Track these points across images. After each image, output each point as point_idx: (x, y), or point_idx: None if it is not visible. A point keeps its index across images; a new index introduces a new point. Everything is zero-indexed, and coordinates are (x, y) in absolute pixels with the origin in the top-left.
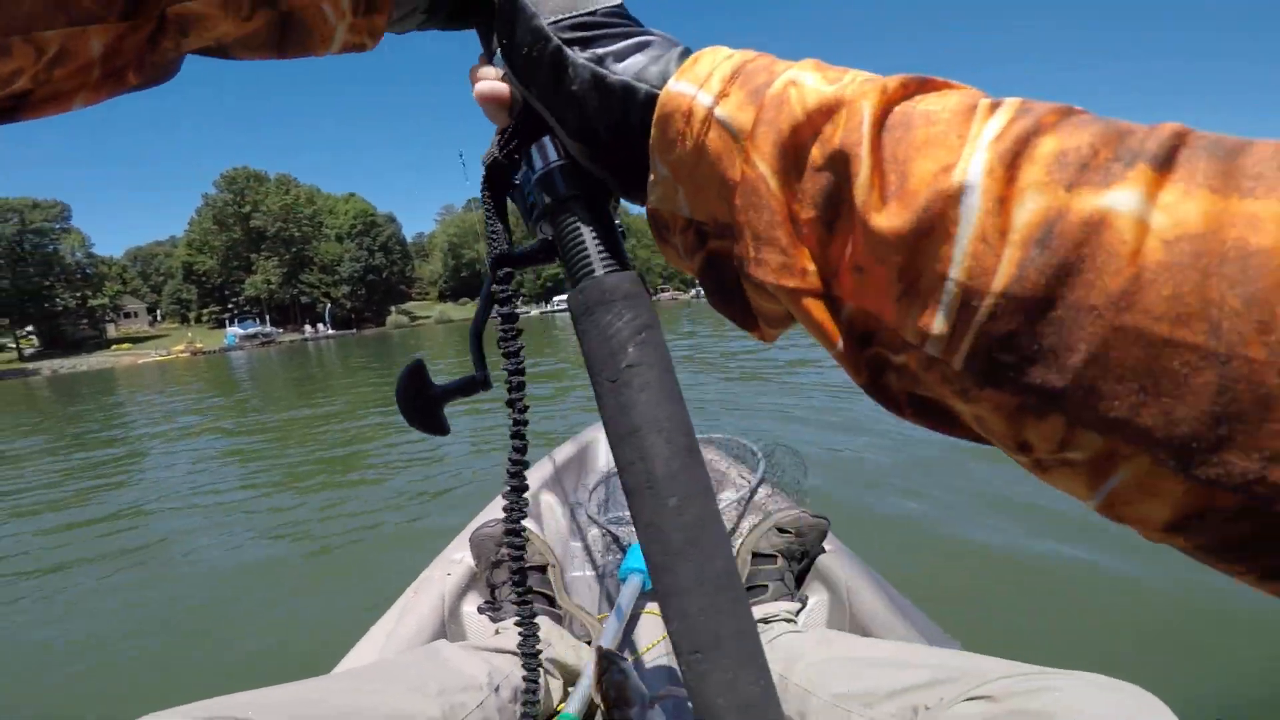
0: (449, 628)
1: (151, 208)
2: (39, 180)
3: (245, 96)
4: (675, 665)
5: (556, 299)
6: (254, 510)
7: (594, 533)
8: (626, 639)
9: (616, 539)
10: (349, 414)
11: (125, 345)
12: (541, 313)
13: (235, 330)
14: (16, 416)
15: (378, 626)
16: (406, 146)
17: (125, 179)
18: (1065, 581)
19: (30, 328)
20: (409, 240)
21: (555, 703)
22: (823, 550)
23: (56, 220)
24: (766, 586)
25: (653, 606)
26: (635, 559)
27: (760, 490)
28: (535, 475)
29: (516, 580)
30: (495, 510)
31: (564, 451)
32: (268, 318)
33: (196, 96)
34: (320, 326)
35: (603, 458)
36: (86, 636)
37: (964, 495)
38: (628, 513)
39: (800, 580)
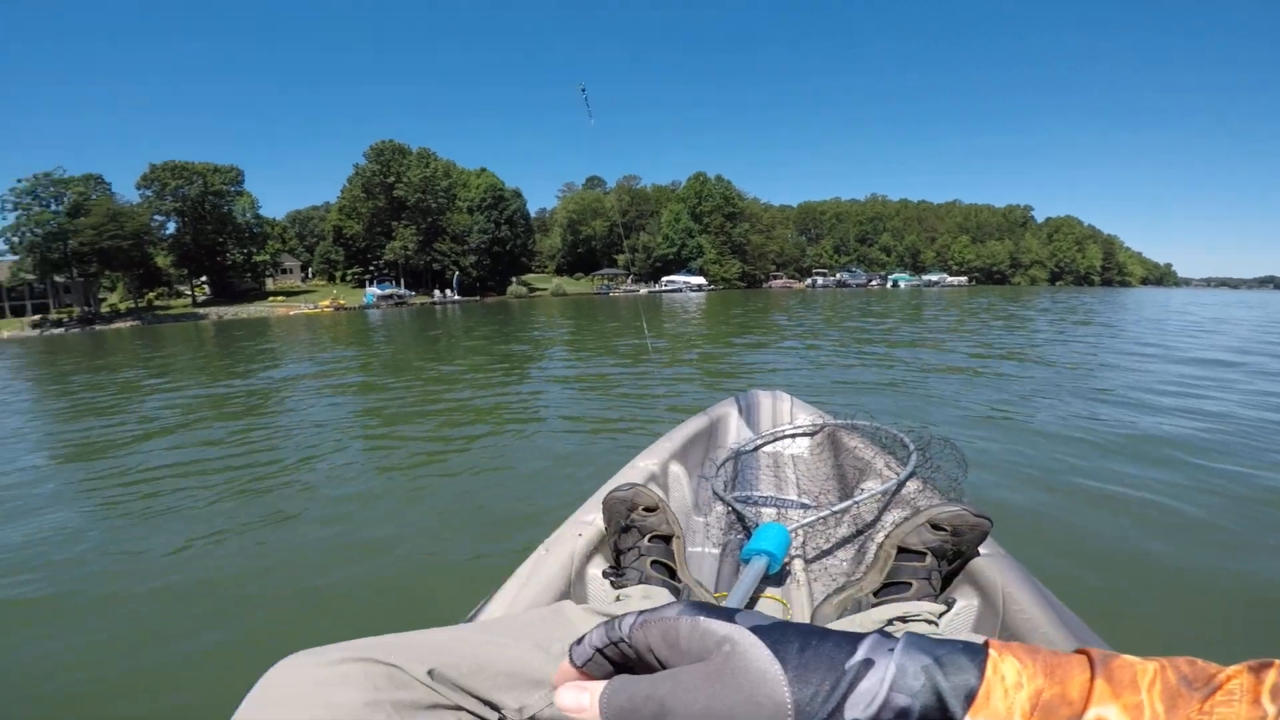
0: (574, 588)
1: (311, 176)
2: (218, 146)
3: (399, 81)
4: None
5: (665, 279)
6: (390, 459)
7: (719, 509)
8: None
9: (741, 518)
10: (473, 370)
11: (280, 298)
12: (650, 292)
13: (374, 290)
14: (190, 350)
15: (512, 579)
16: (533, 125)
17: (291, 149)
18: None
19: (204, 278)
20: (532, 215)
21: None
22: (977, 553)
23: (232, 184)
24: (909, 584)
25: (774, 591)
26: (762, 540)
27: (910, 484)
28: (665, 444)
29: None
30: (630, 474)
31: (695, 423)
32: (402, 281)
33: (359, 75)
34: (448, 292)
35: (733, 433)
36: (239, 572)
37: (1149, 509)
38: (755, 492)
39: (948, 582)
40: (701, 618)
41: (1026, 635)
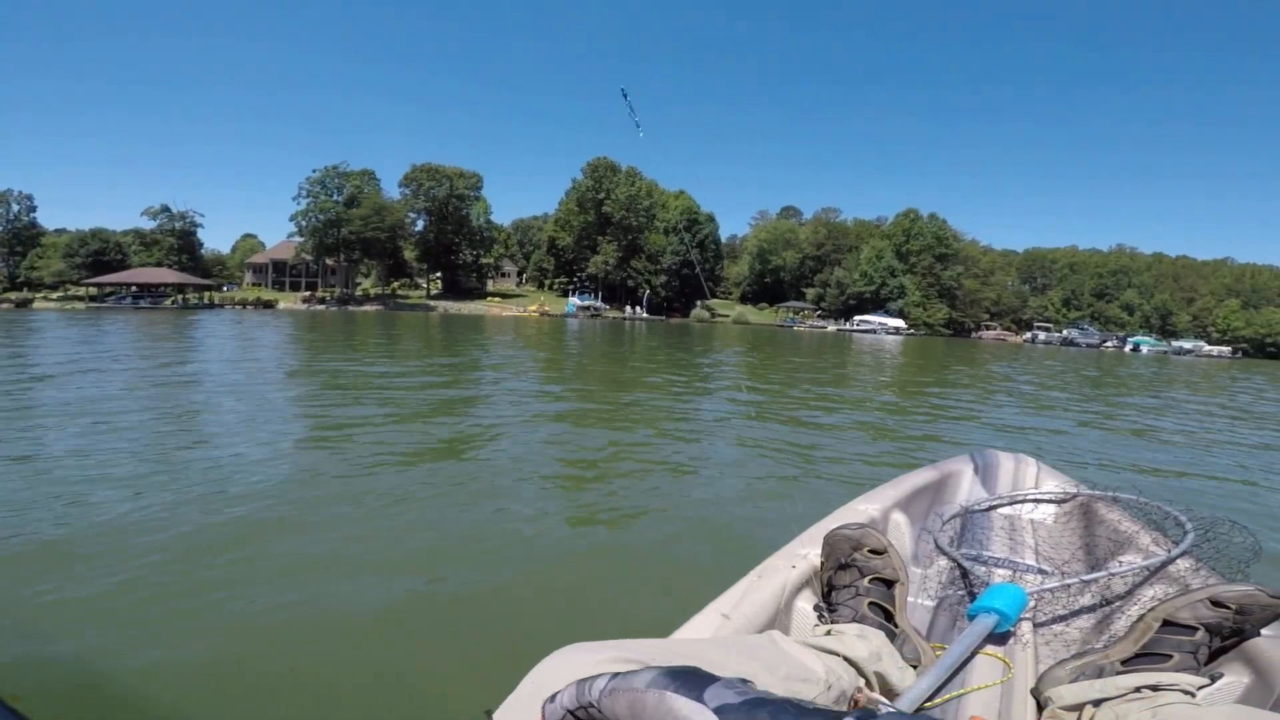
0: (781, 617)
1: (535, 187)
2: (459, 151)
3: (611, 97)
4: (1002, 708)
5: (858, 318)
6: (577, 471)
7: (941, 563)
8: (957, 675)
9: (965, 574)
10: (658, 385)
11: (496, 299)
12: (839, 329)
13: (574, 300)
14: (418, 336)
15: (721, 601)
16: (732, 153)
17: (520, 158)
18: None
19: (438, 274)
20: (723, 240)
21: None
22: (1258, 633)
23: (473, 189)
24: (1168, 656)
25: (996, 649)
26: (995, 599)
27: (1181, 563)
28: (889, 491)
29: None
30: (848, 514)
31: (923, 475)
32: (599, 294)
33: (579, 86)
34: (638, 309)
35: (964, 491)
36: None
37: None
38: (985, 552)
39: (1213, 658)
40: (669, 693)
41: None
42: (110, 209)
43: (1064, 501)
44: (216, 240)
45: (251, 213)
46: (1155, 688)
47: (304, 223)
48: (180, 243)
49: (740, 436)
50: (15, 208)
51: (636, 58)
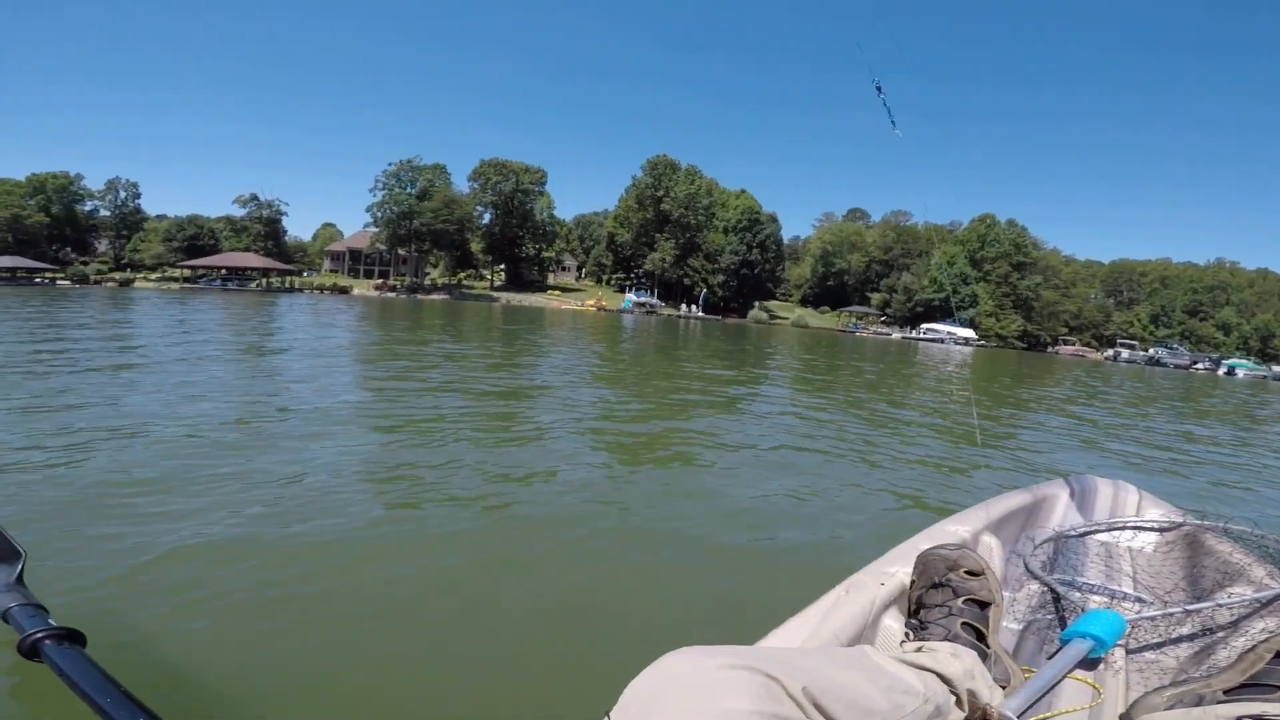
0: (867, 633)
1: (597, 181)
2: (526, 146)
3: (676, 93)
4: None
5: (925, 326)
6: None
7: (1032, 587)
8: (1044, 697)
9: (1058, 599)
10: (708, 391)
11: (556, 292)
12: (904, 337)
13: (631, 297)
14: (478, 324)
15: (807, 614)
16: (798, 152)
17: (584, 155)
18: None
19: (502, 266)
20: (784, 241)
21: None
22: None
23: (537, 184)
24: (1277, 688)
25: (1085, 674)
26: (1091, 625)
27: None
28: (980, 513)
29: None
30: (937, 535)
31: (1015, 499)
32: (656, 291)
33: (643, 80)
34: (694, 308)
35: (1059, 516)
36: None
37: None
38: (1079, 578)
39: None
40: None
41: None
42: (206, 195)
43: (1168, 530)
44: (299, 227)
45: (332, 201)
46: (1259, 718)
47: (379, 214)
48: (266, 229)
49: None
50: (122, 194)
51: (701, 52)
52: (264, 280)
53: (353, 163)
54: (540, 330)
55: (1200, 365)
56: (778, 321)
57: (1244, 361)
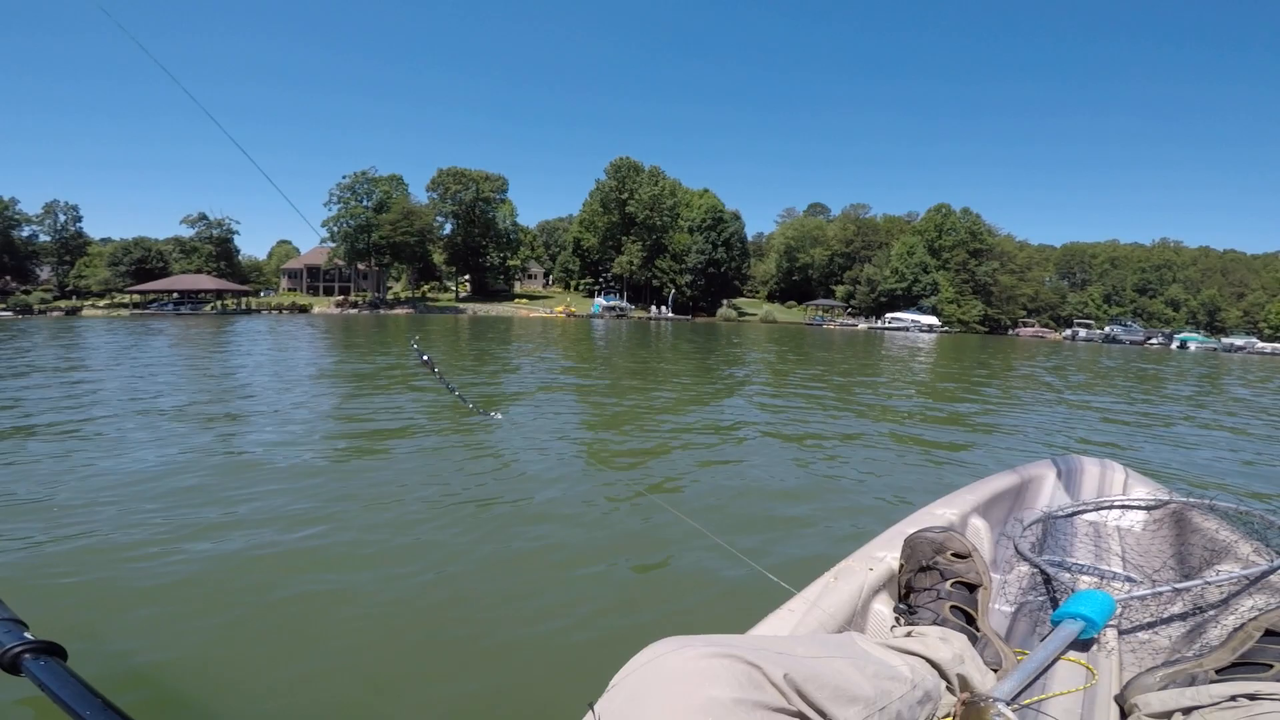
0: (858, 619)
1: (560, 188)
2: (485, 153)
3: (635, 95)
4: (1084, 714)
5: (890, 315)
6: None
7: (1022, 569)
8: (1038, 680)
9: (1048, 580)
10: (682, 387)
11: (524, 300)
12: (870, 327)
13: (600, 301)
14: (448, 336)
15: (797, 600)
16: (756, 149)
17: (545, 161)
18: None
19: (467, 276)
20: (749, 239)
21: (941, 716)
22: None
23: (498, 192)
24: (1270, 666)
25: (1078, 655)
26: (1082, 605)
27: None
28: (967, 496)
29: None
30: (925, 518)
31: (1002, 480)
32: (625, 294)
33: (603, 94)
34: (663, 309)
35: (1046, 496)
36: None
37: None
38: (1069, 559)
39: None
40: None
41: None
42: (150, 217)
43: (1155, 508)
44: (253, 246)
45: (287, 219)
46: (1253, 696)
47: (335, 228)
48: (218, 249)
49: (803, 435)
50: (62, 218)
51: (660, 54)
52: (219, 303)
53: (307, 180)
54: (509, 340)
55: (1154, 340)
56: (747, 318)
57: (1195, 335)
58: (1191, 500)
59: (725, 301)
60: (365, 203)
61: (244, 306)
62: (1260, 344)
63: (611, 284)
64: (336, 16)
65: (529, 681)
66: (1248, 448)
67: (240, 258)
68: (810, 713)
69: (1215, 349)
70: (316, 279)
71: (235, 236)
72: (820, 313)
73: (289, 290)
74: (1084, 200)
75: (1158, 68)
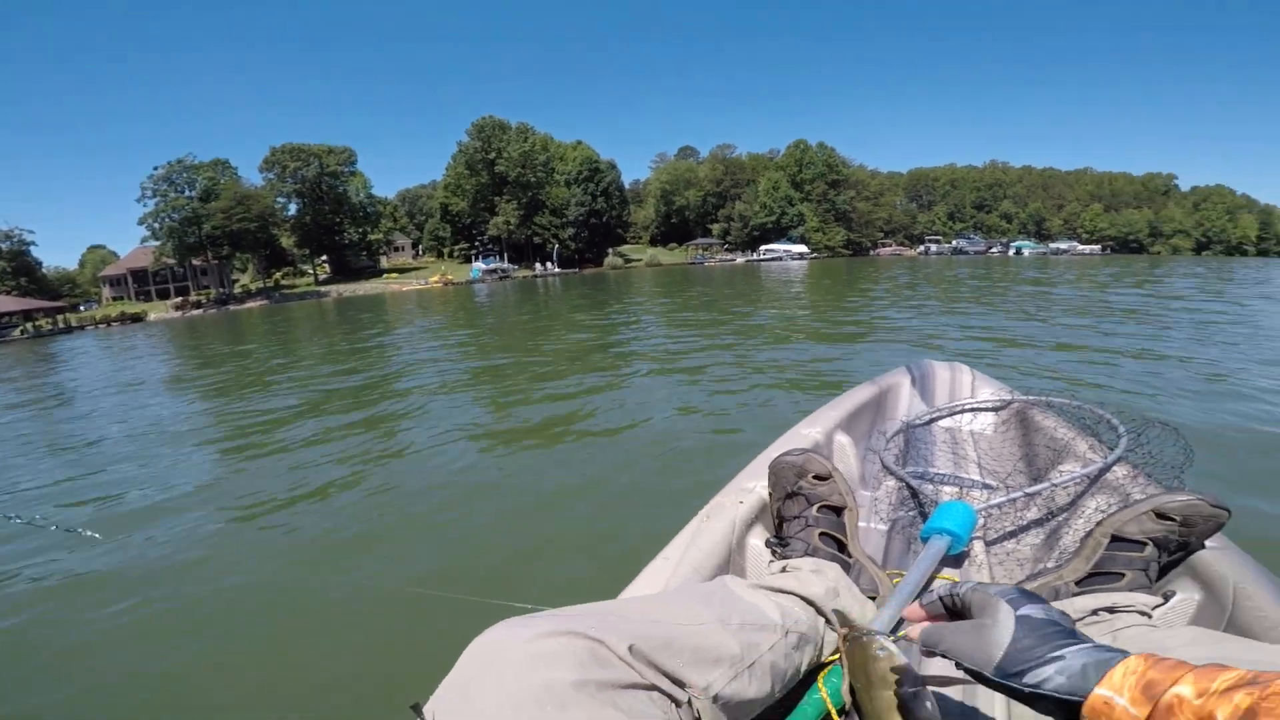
0: (734, 557)
1: (419, 154)
2: (331, 127)
3: (496, 54)
4: None
5: (764, 248)
6: (511, 429)
7: (889, 484)
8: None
9: (916, 495)
10: (576, 342)
11: (394, 275)
12: (747, 261)
13: (479, 265)
14: (314, 325)
15: (672, 547)
16: (627, 92)
17: (397, 127)
18: None
19: (324, 257)
20: (627, 186)
21: (829, 653)
22: (1202, 546)
23: (346, 164)
24: (1122, 575)
25: (951, 572)
26: (945, 519)
27: (1117, 470)
28: (830, 413)
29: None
30: (793, 440)
31: (863, 392)
32: (505, 255)
33: (453, 49)
34: (549, 265)
35: (904, 405)
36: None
37: None
38: (931, 469)
39: (1162, 574)
40: (990, 592)
41: (1261, 632)
42: None
43: (1000, 409)
44: (59, 256)
45: (97, 222)
46: (1112, 609)
47: (156, 225)
48: (13, 264)
49: (679, 373)
50: None
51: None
52: (28, 325)
53: (117, 178)
54: (383, 320)
55: (995, 250)
56: (633, 264)
57: (1027, 243)
58: (1031, 398)
59: (610, 250)
60: (188, 193)
61: (62, 325)
62: (1080, 247)
63: (489, 246)
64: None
65: (346, 686)
66: (1079, 343)
67: (46, 270)
68: (665, 683)
69: (1045, 253)
70: (145, 282)
71: (32, 248)
72: (700, 251)
73: (114, 299)
74: (924, 130)
75: None
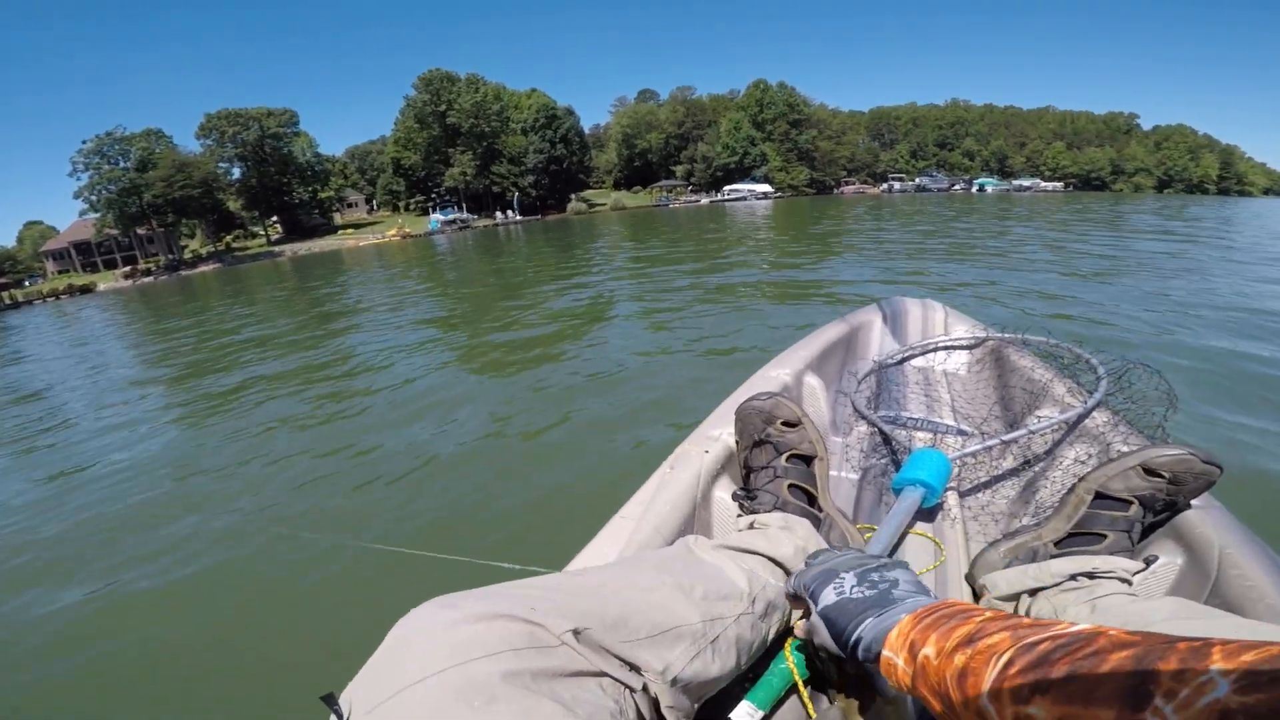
0: (700, 511)
1: (366, 111)
2: (270, 88)
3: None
4: (937, 596)
5: (728, 188)
6: (470, 384)
7: (861, 429)
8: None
9: (888, 440)
10: (541, 289)
11: (349, 231)
12: (712, 201)
13: (437, 217)
14: (272, 287)
15: (632, 501)
16: (581, 42)
17: (343, 86)
18: None
19: (275, 218)
20: (587, 131)
21: (797, 618)
22: (1189, 505)
23: (288, 125)
24: (1104, 536)
25: (925, 527)
26: (919, 469)
27: (1097, 416)
28: (799, 353)
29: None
30: (760, 383)
31: (833, 331)
32: (464, 206)
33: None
34: (510, 213)
35: (875, 344)
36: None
37: None
38: (903, 412)
39: (1146, 534)
40: (809, 580)
41: (1245, 603)
42: None
43: (974, 347)
44: None
45: (30, 197)
46: (1091, 575)
47: (94, 197)
48: None
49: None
50: None
51: None
52: None
53: (47, 149)
54: (344, 273)
55: (958, 187)
56: (598, 208)
57: (990, 180)
58: (1006, 336)
59: (574, 196)
60: (122, 164)
61: (9, 301)
62: (1043, 184)
63: (446, 198)
64: None
65: (259, 675)
66: (1053, 279)
67: None
68: (615, 668)
69: (1008, 190)
70: (90, 254)
71: None
72: (665, 193)
73: (59, 273)
74: (884, 68)
75: None
